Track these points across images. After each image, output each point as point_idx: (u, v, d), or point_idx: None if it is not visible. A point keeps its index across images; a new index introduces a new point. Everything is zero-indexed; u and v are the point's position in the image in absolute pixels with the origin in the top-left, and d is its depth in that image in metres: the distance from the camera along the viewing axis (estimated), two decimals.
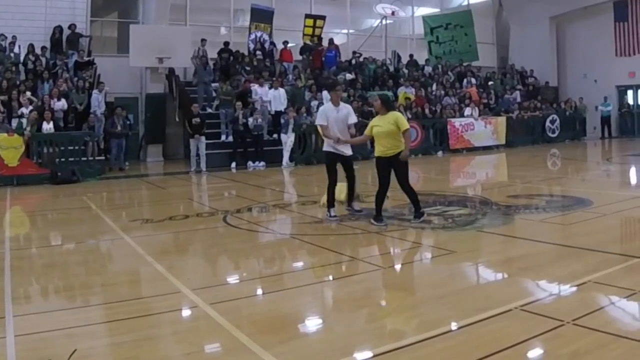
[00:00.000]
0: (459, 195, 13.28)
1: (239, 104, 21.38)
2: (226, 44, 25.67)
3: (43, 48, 22.53)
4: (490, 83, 30.95)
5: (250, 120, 21.15)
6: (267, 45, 26.65)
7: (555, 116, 29.34)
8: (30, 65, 21.61)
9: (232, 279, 7.34)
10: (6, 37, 21.92)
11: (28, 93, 19.61)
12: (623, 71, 30.95)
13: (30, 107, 19.00)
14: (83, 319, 5.58)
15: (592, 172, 19.03)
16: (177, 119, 22.51)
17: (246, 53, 26.10)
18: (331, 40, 28.08)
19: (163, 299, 6.19)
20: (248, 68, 24.85)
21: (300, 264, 8.01)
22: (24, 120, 18.45)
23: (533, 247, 7.96)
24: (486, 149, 25.89)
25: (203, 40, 24.85)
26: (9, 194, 15.83)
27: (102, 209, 13.15)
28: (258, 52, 26.17)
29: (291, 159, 20.83)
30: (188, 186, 17.94)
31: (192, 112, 20.20)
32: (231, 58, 25.29)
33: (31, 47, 22.14)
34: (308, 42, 27.71)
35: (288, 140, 20.67)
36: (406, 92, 25.93)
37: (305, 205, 10.90)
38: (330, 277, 7.15)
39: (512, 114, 27.98)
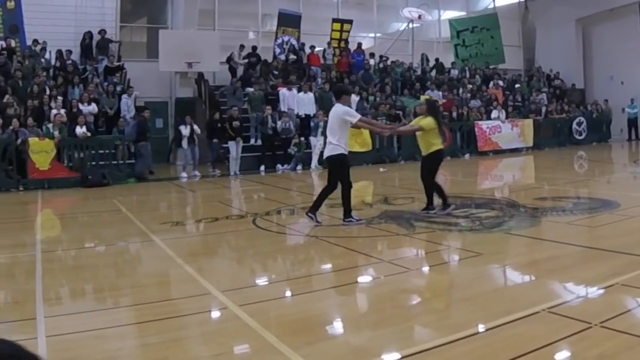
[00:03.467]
0: (486, 197, 13.25)
1: (267, 107, 21.51)
2: (254, 48, 25.83)
3: (71, 52, 22.79)
4: (517, 86, 30.84)
5: (279, 123, 21.25)
6: (295, 48, 26.73)
7: (582, 118, 29.18)
8: (60, 71, 21.85)
9: (261, 281, 7.38)
10: (39, 43, 22.21)
11: (59, 98, 19.82)
12: None
13: (61, 112, 19.19)
14: (112, 321, 5.64)
15: (619, 175, 18.94)
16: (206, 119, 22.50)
17: (272, 57, 26.22)
18: (359, 45, 28.20)
19: (192, 300, 6.26)
20: (276, 72, 24.97)
21: (328, 266, 8.05)
22: (50, 125, 18.65)
23: (560, 249, 7.94)
24: (513, 151, 25.82)
25: (241, 45, 25.14)
26: (40, 197, 16.00)
27: (132, 212, 13.23)
28: (291, 57, 26.26)
29: (320, 161, 20.86)
30: (217, 189, 18.02)
31: (232, 116, 20.28)
32: (259, 62, 25.43)
33: (60, 53, 22.44)
34: (335, 46, 27.76)
35: (317, 143, 20.68)
36: (431, 96, 25.86)
37: (333, 207, 10.88)
38: (358, 279, 7.20)
39: (540, 116, 27.86)
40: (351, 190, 10.23)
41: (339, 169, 10.16)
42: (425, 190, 10.78)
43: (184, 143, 19.96)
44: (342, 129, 10.12)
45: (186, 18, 24.79)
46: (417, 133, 10.80)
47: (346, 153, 10.17)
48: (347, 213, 10.15)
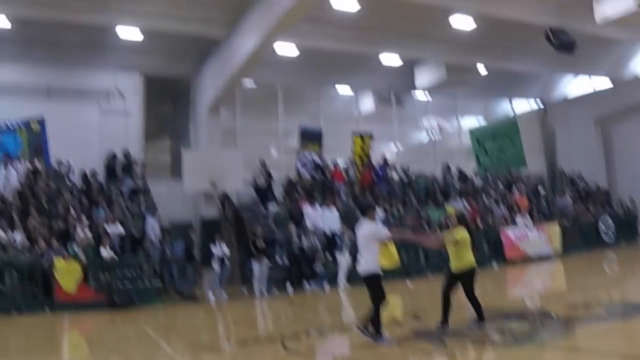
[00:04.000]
0: (518, 308, 13.01)
1: (291, 226, 21.55)
2: (269, 174, 25.74)
3: (96, 173, 23.14)
4: (543, 193, 30.77)
5: (304, 241, 21.18)
6: (320, 165, 26.90)
7: (607, 218, 28.85)
8: (85, 192, 22.13)
9: None
10: (62, 163, 22.56)
11: (84, 219, 19.95)
12: None
13: (87, 232, 19.30)
14: None
15: None
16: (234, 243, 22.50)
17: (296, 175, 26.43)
18: (385, 160, 28.46)
19: None
20: (300, 190, 25.08)
21: None
22: (74, 246, 18.70)
23: (599, 359, 7.74)
24: (542, 258, 25.41)
25: (263, 162, 25.39)
26: (66, 320, 15.90)
27: (160, 335, 13.16)
28: (314, 174, 26.44)
29: (347, 279, 20.59)
30: (246, 311, 17.85)
31: (256, 234, 20.24)
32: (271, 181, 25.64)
33: (85, 174, 22.81)
34: (358, 160, 27.90)
35: (344, 259, 20.53)
36: (454, 206, 25.83)
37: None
38: None
39: (567, 220, 27.60)
40: (383, 305, 10.02)
41: (372, 286, 10.08)
42: (474, 306, 10.39)
43: (215, 263, 19.83)
44: (371, 246, 10.15)
45: (208, 137, 25.15)
46: (451, 247, 10.56)
47: (376, 270, 10.13)
48: (377, 330, 9.91)
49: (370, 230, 10.20)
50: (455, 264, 10.47)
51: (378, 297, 9.96)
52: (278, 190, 25.26)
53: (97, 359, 11.33)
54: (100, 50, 23.99)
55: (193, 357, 10.07)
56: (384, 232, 10.38)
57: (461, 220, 10.91)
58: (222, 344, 11.22)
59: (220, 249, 19.65)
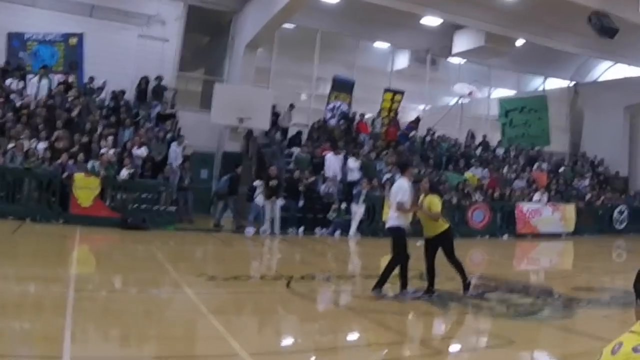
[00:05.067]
0: (522, 282, 13.11)
1: (311, 170, 21.74)
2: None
3: (124, 93, 23.28)
4: (561, 170, 30.73)
5: (322, 187, 21.35)
6: (347, 114, 26.96)
7: (624, 207, 28.77)
8: (113, 111, 22.32)
9: (290, 348, 7.38)
10: (93, 79, 22.72)
11: (110, 138, 20.16)
12: None
13: (111, 151, 19.52)
14: None
15: None
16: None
17: (322, 121, 26.53)
18: (417, 119, 28.63)
19: (220, 359, 6.29)
20: (325, 136, 25.18)
21: (357, 339, 8.05)
22: (96, 163, 18.93)
23: (594, 344, 7.75)
24: (552, 235, 25.45)
25: (291, 105, 25.57)
26: (78, 232, 16.08)
27: (168, 260, 13.29)
28: (341, 122, 26.55)
29: (359, 229, 20.80)
30: (255, 247, 18.06)
31: (270, 174, 20.44)
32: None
33: (115, 94, 22.94)
34: (385, 115, 27.95)
35: (358, 210, 20.69)
36: (474, 173, 25.93)
37: (368, 278, 10.81)
38: (387, 357, 7.18)
39: (582, 202, 27.58)
40: (407, 263, 10.16)
41: (395, 241, 10.24)
42: (456, 269, 10.51)
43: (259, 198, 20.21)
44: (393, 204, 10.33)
45: (243, 73, 25.15)
46: (423, 215, 10.54)
47: (403, 227, 10.26)
48: (402, 286, 10.11)
49: (402, 190, 10.32)
50: (427, 230, 10.51)
51: (399, 253, 10.12)
52: (303, 136, 25.38)
53: (103, 275, 11.49)
54: None
55: (197, 285, 10.24)
56: (406, 200, 10.40)
57: (433, 188, 11.02)
58: (227, 276, 11.36)
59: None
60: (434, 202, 10.42)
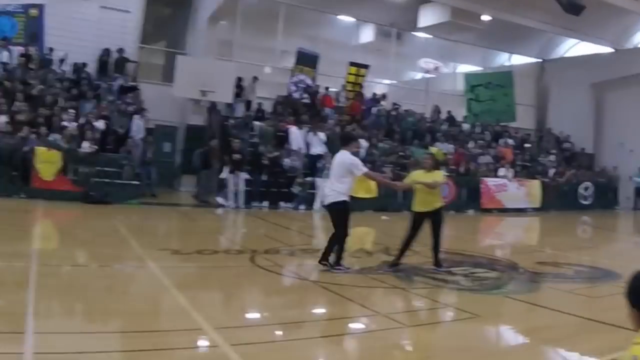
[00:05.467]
0: (487, 256, 13.13)
1: (274, 143, 21.65)
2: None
3: (85, 65, 22.98)
4: (526, 145, 30.93)
5: (286, 161, 21.27)
6: (310, 88, 26.86)
7: (589, 184, 29.06)
8: (74, 84, 22.00)
9: (254, 322, 7.32)
10: (52, 50, 22.35)
11: (71, 110, 19.87)
12: None
13: (73, 124, 19.26)
14: (101, 346, 5.60)
15: (622, 244, 18.82)
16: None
17: (285, 94, 26.37)
18: (380, 95, 28.55)
19: (184, 334, 6.21)
20: (290, 110, 25.05)
21: (322, 313, 8.02)
22: (58, 136, 18.68)
23: (558, 318, 7.84)
24: (518, 210, 25.64)
25: (255, 77, 25.36)
26: (40, 207, 15.98)
27: (131, 234, 13.20)
28: (305, 96, 26.40)
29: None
30: (219, 221, 18.01)
31: (233, 148, 20.22)
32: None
33: (76, 66, 22.61)
34: (350, 89, 27.93)
35: (323, 184, 20.62)
36: (440, 148, 25.99)
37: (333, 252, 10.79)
38: (350, 330, 7.15)
39: (548, 177, 27.80)
40: (346, 240, 10.06)
41: (338, 216, 10.05)
42: (436, 247, 10.50)
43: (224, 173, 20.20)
44: (346, 177, 10.05)
45: (205, 46, 24.94)
46: (421, 187, 10.47)
47: (348, 200, 10.08)
48: (337, 261, 9.95)
49: (349, 161, 10.04)
50: (426, 205, 10.43)
51: (341, 229, 9.99)
52: (265, 108, 25.22)
53: (66, 250, 11.38)
54: None
55: (161, 260, 10.13)
56: (362, 168, 10.25)
57: (438, 164, 11.01)
58: (191, 250, 11.28)
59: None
60: (441, 177, 10.66)
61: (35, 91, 20.26)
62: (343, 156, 10.18)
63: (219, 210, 19.35)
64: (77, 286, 8.18)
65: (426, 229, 10.41)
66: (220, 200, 19.81)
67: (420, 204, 10.47)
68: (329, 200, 10.16)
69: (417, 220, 10.46)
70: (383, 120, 27.29)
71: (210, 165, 20.41)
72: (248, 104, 25.16)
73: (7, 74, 20.69)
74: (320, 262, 10.01)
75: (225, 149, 20.87)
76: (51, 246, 11.77)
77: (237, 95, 24.40)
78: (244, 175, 20.20)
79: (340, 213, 10.04)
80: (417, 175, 10.70)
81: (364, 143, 22.05)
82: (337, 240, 10.00)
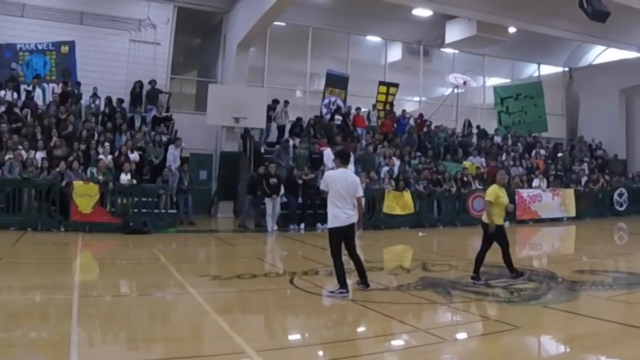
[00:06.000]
0: (525, 267, 13.08)
1: (309, 166, 21.76)
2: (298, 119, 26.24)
3: (121, 100, 23.37)
4: (559, 155, 30.75)
5: (321, 182, 21.35)
6: (341, 109, 26.97)
7: (623, 189, 28.78)
8: (108, 117, 22.39)
9: (296, 343, 7.37)
10: (80, 85, 22.80)
11: (106, 143, 20.20)
12: None
13: (109, 157, 19.58)
14: None
15: None
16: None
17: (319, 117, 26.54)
18: (404, 111, 28.81)
19: (226, 358, 6.29)
20: (323, 132, 25.20)
21: (363, 331, 8.06)
22: (94, 169, 18.99)
23: (599, 325, 7.83)
24: (553, 220, 25.48)
25: (286, 101, 25.58)
26: (80, 239, 16.15)
27: (171, 262, 13.30)
28: (337, 117, 26.56)
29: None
30: (257, 244, 18.05)
31: (270, 172, 20.41)
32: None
33: (109, 99, 23.00)
34: (380, 108, 28.04)
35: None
36: (473, 162, 25.98)
37: (370, 270, 10.77)
38: (393, 347, 7.20)
39: (579, 186, 27.58)
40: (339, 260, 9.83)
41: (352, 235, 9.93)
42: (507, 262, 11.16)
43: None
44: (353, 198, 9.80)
45: (236, 73, 25.17)
46: (502, 202, 11.05)
47: (337, 225, 9.81)
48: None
49: (359, 181, 10.06)
50: (500, 218, 11.05)
51: (337, 255, 9.79)
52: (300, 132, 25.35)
53: (107, 280, 11.50)
54: None
55: (201, 286, 10.24)
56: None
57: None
58: (231, 275, 11.37)
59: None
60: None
61: (70, 127, 20.60)
62: (353, 175, 10.25)
63: (258, 235, 19.44)
64: (119, 315, 8.30)
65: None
66: (268, 225, 19.91)
67: (499, 217, 11.01)
68: (353, 219, 9.79)
69: (500, 232, 10.99)
70: (415, 138, 27.29)
71: (256, 192, 20.53)
72: (282, 128, 25.32)
73: (43, 111, 21.09)
74: (357, 283, 10.03)
75: (262, 175, 21.03)
76: (92, 277, 11.89)
77: (270, 118, 24.64)
78: (281, 199, 20.35)
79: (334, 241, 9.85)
80: (499, 191, 11.11)
81: (396, 161, 22.21)
82: (354, 259, 9.99)
